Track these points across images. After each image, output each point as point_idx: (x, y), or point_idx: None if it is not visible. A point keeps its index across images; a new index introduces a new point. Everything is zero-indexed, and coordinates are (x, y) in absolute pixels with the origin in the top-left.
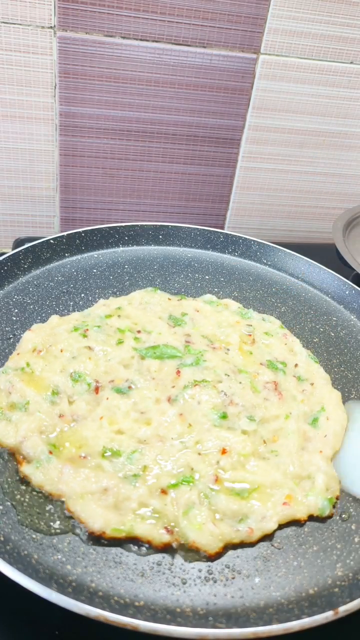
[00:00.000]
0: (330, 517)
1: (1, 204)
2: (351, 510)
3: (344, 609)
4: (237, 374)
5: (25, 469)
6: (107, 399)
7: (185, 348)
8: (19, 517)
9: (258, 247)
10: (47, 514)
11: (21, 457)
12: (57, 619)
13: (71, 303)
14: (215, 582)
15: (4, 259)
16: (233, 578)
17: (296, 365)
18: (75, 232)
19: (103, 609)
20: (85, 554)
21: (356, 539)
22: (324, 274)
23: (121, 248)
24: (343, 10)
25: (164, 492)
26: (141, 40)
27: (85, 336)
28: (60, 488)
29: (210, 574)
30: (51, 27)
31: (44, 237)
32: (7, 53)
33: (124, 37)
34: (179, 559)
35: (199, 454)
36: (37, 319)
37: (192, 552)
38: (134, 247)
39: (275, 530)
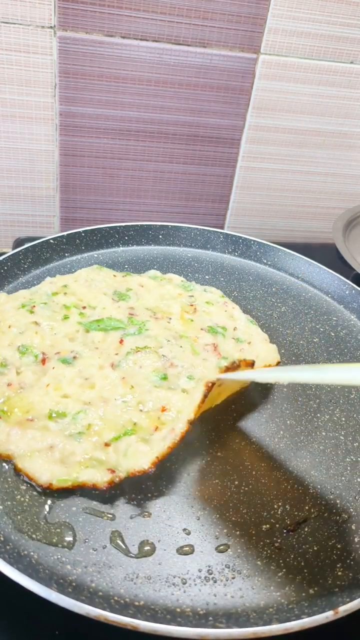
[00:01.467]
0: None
1: (1, 204)
2: (351, 510)
3: (344, 609)
4: (178, 339)
5: None
6: (53, 368)
7: (129, 320)
8: (18, 517)
9: (258, 247)
10: (44, 512)
11: None
12: (57, 619)
13: None
14: (215, 582)
15: (4, 259)
16: (233, 578)
17: (235, 328)
18: (75, 232)
19: (103, 609)
20: (86, 554)
21: (356, 539)
22: (324, 274)
23: (121, 248)
24: (343, 10)
25: (107, 445)
26: (141, 40)
27: (32, 312)
28: (9, 448)
29: (210, 574)
30: (51, 27)
31: (44, 237)
32: (7, 53)
33: (124, 37)
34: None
35: (141, 411)
36: None
37: (135, 482)
38: (134, 247)
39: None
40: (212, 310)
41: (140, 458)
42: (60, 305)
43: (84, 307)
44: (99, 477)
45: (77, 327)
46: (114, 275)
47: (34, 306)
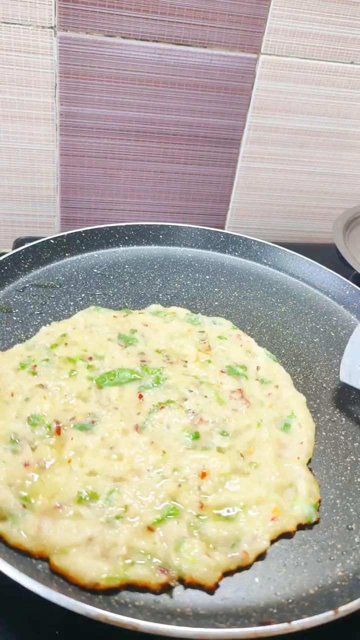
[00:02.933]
0: (317, 522)
1: (1, 204)
2: (351, 510)
3: (344, 609)
4: (199, 387)
5: (1, 527)
6: (72, 439)
7: (143, 369)
8: None
9: (258, 247)
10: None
11: None
12: (57, 619)
13: (71, 303)
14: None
15: (4, 259)
16: (233, 578)
17: (258, 368)
18: (75, 232)
19: (103, 608)
20: None
21: (356, 539)
22: (324, 274)
23: (121, 248)
24: (343, 10)
25: (150, 529)
26: (141, 40)
27: (34, 373)
28: (42, 544)
29: None
30: (51, 27)
31: (44, 237)
32: (8, 53)
33: (124, 37)
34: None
35: (179, 485)
36: (37, 318)
37: (190, 587)
38: (134, 247)
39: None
40: (228, 346)
41: (201, 568)
42: (64, 359)
43: (91, 358)
44: (152, 577)
45: (88, 384)
46: (114, 317)
47: (35, 365)
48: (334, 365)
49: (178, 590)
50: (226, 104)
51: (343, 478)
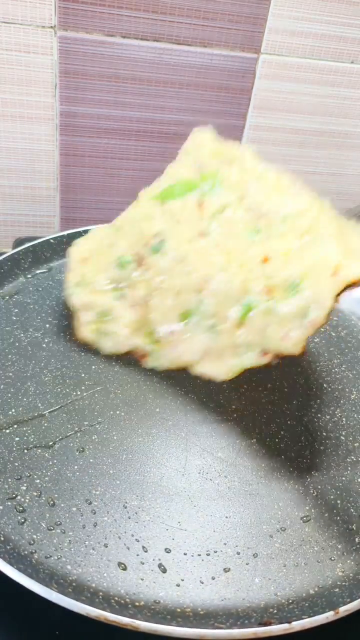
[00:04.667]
0: None
1: (1, 203)
2: (352, 510)
3: (344, 609)
4: (257, 182)
5: (147, 363)
6: (150, 268)
7: (201, 177)
8: (18, 517)
9: None
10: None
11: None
12: (57, 619)
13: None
14: (215, 582)
15: (4, 259)
16: (233, 578)
17: None
18: (75, 232)
19: (103, 609)
20: (86, 554)
21: (356, 539)
22: None
23: None
24: (343, 10)
25: (242, 324)
26: (142, 39)
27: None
28: (183, 360)
29: (211, 574)
30: (52, 26)
31: (44, 237)
32: (7, 53)
33: (124, 37)
34: None
35: (246, 277)
36: (37, 318)
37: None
38: None
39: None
40: None
41: (288, 346)
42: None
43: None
44: (258, 360)
45: (150, 204)
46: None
47: None
48: (334, 365)
49: (178, 590)
50: (227, 104)
51: (343, 478)
